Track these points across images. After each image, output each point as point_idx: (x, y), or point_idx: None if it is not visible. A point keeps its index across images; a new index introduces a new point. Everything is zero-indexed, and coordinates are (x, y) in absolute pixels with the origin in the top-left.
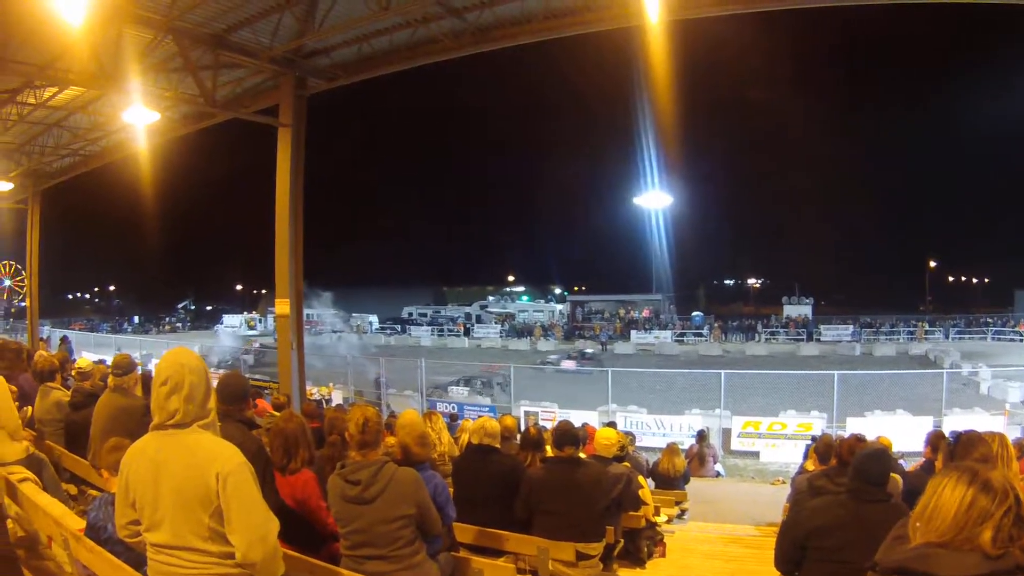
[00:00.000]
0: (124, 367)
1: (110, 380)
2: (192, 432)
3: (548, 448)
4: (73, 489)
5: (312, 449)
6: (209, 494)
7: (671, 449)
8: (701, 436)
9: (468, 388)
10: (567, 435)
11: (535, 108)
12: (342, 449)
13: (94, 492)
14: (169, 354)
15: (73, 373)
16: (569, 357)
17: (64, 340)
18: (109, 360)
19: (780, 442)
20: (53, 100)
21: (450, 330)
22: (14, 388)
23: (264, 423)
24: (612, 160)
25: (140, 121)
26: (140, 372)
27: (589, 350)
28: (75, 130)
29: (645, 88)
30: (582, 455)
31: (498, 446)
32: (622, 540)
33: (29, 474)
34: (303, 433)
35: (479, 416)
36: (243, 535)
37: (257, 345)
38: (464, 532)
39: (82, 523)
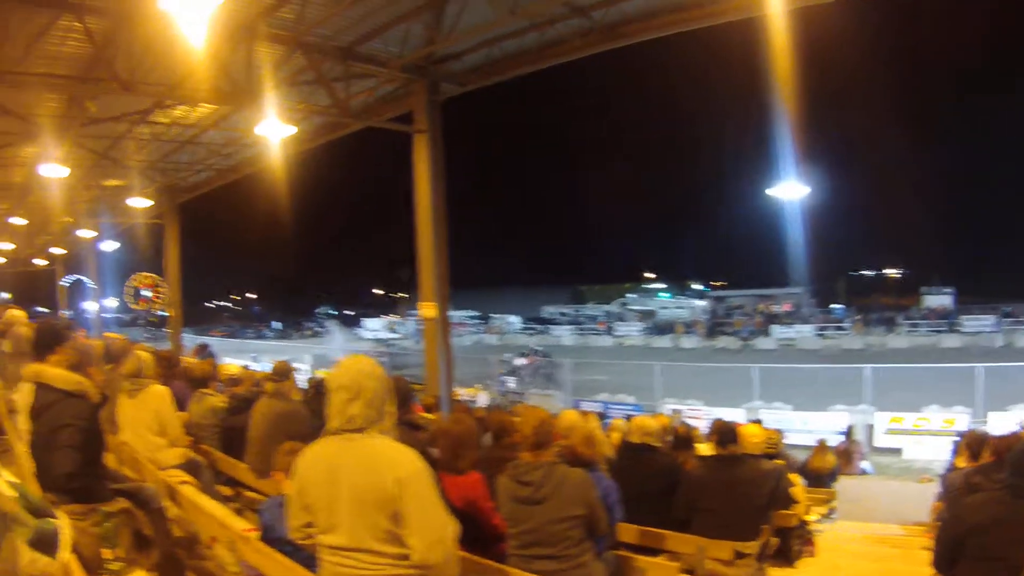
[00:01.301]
0: (282, 373)
1: (268, 386)
2: (370, 436)
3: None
4: (228, 491)
5: (480, 450)
6: (388, 498)
7: (820, 446)
8: (849, 433)
9: (515, 377)
10: (728, 433)
11: (668, 102)
12: (511, 451)
13: (249, 494)
14: (347, 361)
15: (223, 379)
16: (522, 355)
17: (204, 347)
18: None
19: (924, 438)
20: (185, 119)
21: (591, 329)
22: None
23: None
24: (745, 152)
25: (274, 134)
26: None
27: (540, 347)
28: (208, 146)
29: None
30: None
31: (657, 445)
32: (775, 539)
33: (188, 477)
34: (471, 435)
35: (630, 416)
36: (422, 537)
37: (392, 348)
38: (624, 531)
39: (246, 524)
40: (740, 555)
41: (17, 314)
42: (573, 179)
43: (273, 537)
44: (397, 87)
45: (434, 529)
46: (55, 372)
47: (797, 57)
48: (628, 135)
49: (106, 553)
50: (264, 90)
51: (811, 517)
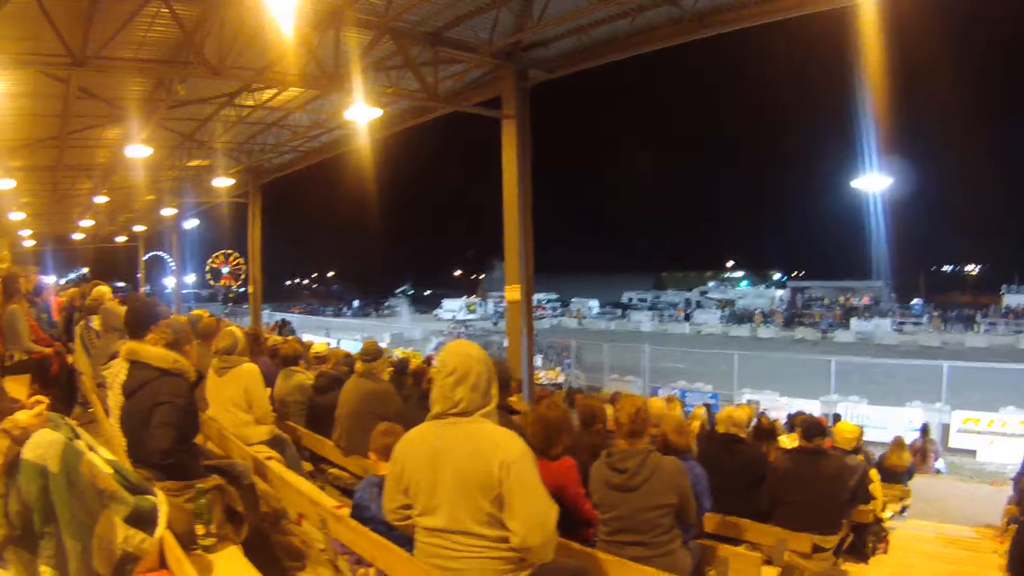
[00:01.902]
0: (373, 353)
1: (358, 365)
2: (474, 421)
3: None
4: (309, 466)
5: (573, 436)
6: (491, 481)
7: (897, 443)
8: (925, 431)
9: (541, 356)
10: (815, 426)
11: (754, 91)
12: (600, 437)
13: (333, 471)
14: (454, 345)
15: (310, 356)
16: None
17: (285, 323)
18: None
19: (999, 439)
20: (272, 101)
21: (670, 315)
22: None
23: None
24: (831, 142)
25: (361, 118)
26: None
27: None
28: (294, 128)
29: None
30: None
31: (744, 435)
32: (851, 534)
33: (273, 453)
34: (565, 420)
35: (708, 404)
36: (523, 521)
37: (463, 329)
38: (706, 520)
39: (334, 501)
40: (818, 549)
41: (105, 290)
42: (658, 166)
43: (366, 517)
44: (485, 73)
45: (536, 513)
46: (152, 351)
47: (885, 47)
48: (713, 123)
49: (198, 529)
50: (352, 75)
51: (886, 514)
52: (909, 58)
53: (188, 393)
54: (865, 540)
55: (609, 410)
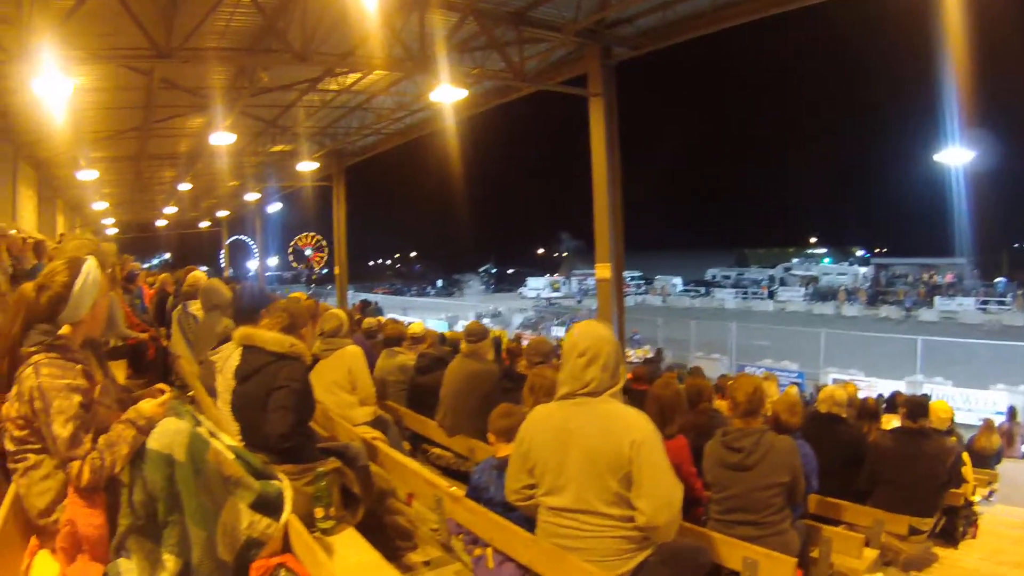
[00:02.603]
0: (478, 334)
1: (463, 346)
2: (604, 401)
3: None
4: (408, 447)
5: (687, 415)
6: (621, 461)
7: (987, 425)
8: (1012, 413)
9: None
10: (919, 407)
11: (835, 65)
12: (707, 416)
13: (436, 451)
14: (585, 326)
15: (408, 336)
16: None
17: (366, 304)
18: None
19: None
20: (355, 85)
21: (754, 293)
22: None
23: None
24: (913, 116)
25: (447, 99)
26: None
27: None
28: (378, 110)
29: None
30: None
31: (844, 415)
32: (943, 517)
33: (378, 433)
34: (679, 399)
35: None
36: (651, 500)
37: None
38: None
39: (445, 482)
40: (914, 531)
41: (200, 275)
42: (739, 142)
43: (484, 498)
44: (570, 51)
45: (663, 493)
46: (267, 335)
47: (969, 18)
48: (794, 99)
49: (317, 512)
50: (437, 56)
51: (976, 498)
52: (994, 29)
53: (304, 377)
54: (956, 524)
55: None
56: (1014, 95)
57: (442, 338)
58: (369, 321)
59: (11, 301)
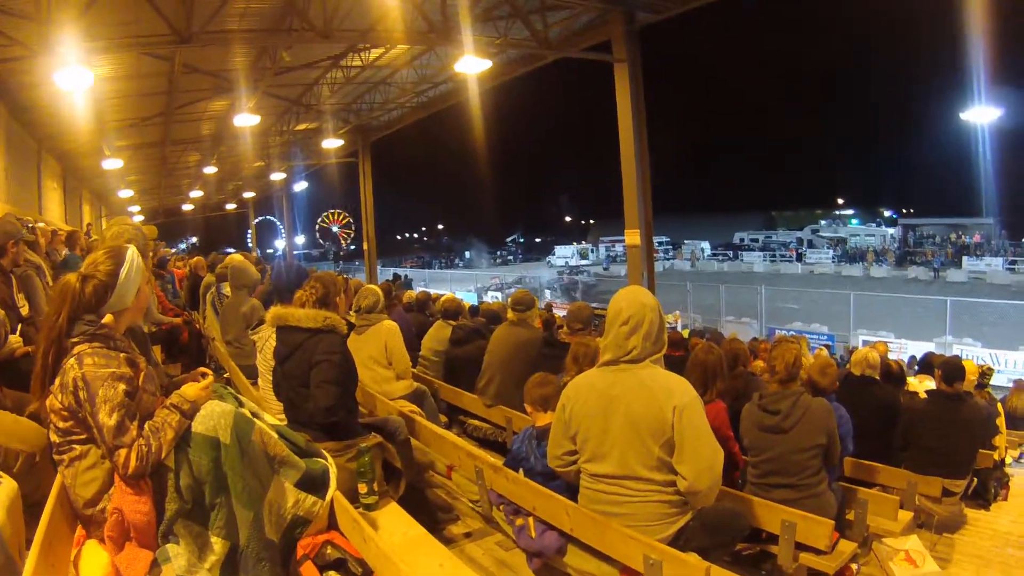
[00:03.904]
0: (526, 303)
1: (510, 314)
2: (645, 367)
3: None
4: (444, 418)
5: (727, 380)
6: (664, 426)
7: (1019, 386)
8: None
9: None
10: (956, 370)
11: (860, 24)
12: (743, 380)
13: (473, 422)
14: (627, 293)
15: (438, 308)
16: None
17: (396, 278)
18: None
19: None
20: (379, 60)
21: (782, 255)
22: None
23: None
24: (939, 74)
25: (471, 70)
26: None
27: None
28: (401, 85)
29: None
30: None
31: (878, 378)
32: (975, 479)
33: (415, 407)
34: (721, 364)
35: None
36: (693, 465)
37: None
38: None
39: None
40: (947, 493)
41: (238, 258)
42: (766, 104)
43: (525, 468)
44: (593, 17)
45: (704, 457)
46: (298, 312)
47: None
48: (820, 58)
49: (361, 487)
50: (460, 27)
51: (1008, 459)
52: None
53: (342, 347)
54: (988, 486)
55: None
56: None
57: (474, 308)
58: (410, 294)
59: (55, 293)
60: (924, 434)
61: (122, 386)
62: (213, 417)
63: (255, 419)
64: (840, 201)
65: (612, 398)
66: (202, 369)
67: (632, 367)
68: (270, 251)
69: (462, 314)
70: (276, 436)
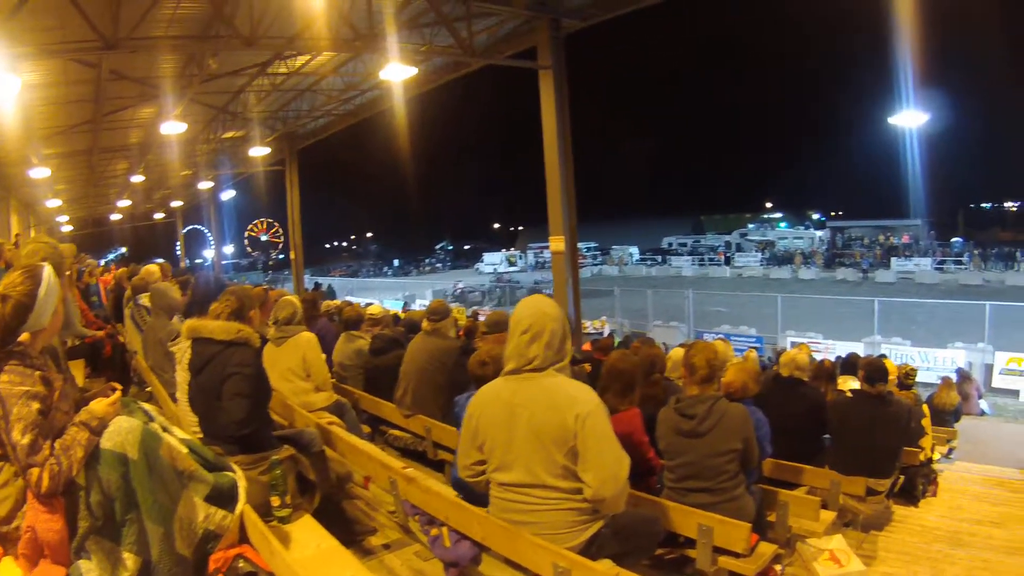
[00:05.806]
0: (441, 312)
1: (425, 324)
2: (548, 375)
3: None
4: (367, 429)
5: (642, 387)
6: (566, 434)
7: (946, 383)
8: (963, 374)
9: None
10: (879, 371)
11: (788, 27)
12: (658, 387)
13: (394, 432)
14: (529, 302)
15: (366, 318)
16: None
17: (317, 287)
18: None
19: None
20: (305, 67)
21: (711, 259)
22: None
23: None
24: (866, 78)
25: (396, 77)
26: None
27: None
28: (328, 92)
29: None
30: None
31: (806, 379)
32: (901, 477)
33: (334, 418)
34: (638, 371)
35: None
36: (597, 473)
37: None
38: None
39: (401, 463)
40: (872, 492)
41: (154, 269)
42: (693, 108)
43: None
44: (519, 24)
45: (608, 465)
46: (212, 325)
47: None
48: (748, 64)
49: (273, 500)
50: (385, 35)
51: (935, 456)
52: None
53: (256, 361)
54: (915, 483)
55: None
56: (967, 57)
57: (396, 318)
58: (328, 304)
59: None
60: (848, 434)
61: (36, 404)
62: (120, 433)
63: (164, 433)
64: (769, 204)
65: (515, 407)
66: (111, 384)
67: (535, 376)
68: (199, 261)
69: (364, 324)
70: (185, 450)
